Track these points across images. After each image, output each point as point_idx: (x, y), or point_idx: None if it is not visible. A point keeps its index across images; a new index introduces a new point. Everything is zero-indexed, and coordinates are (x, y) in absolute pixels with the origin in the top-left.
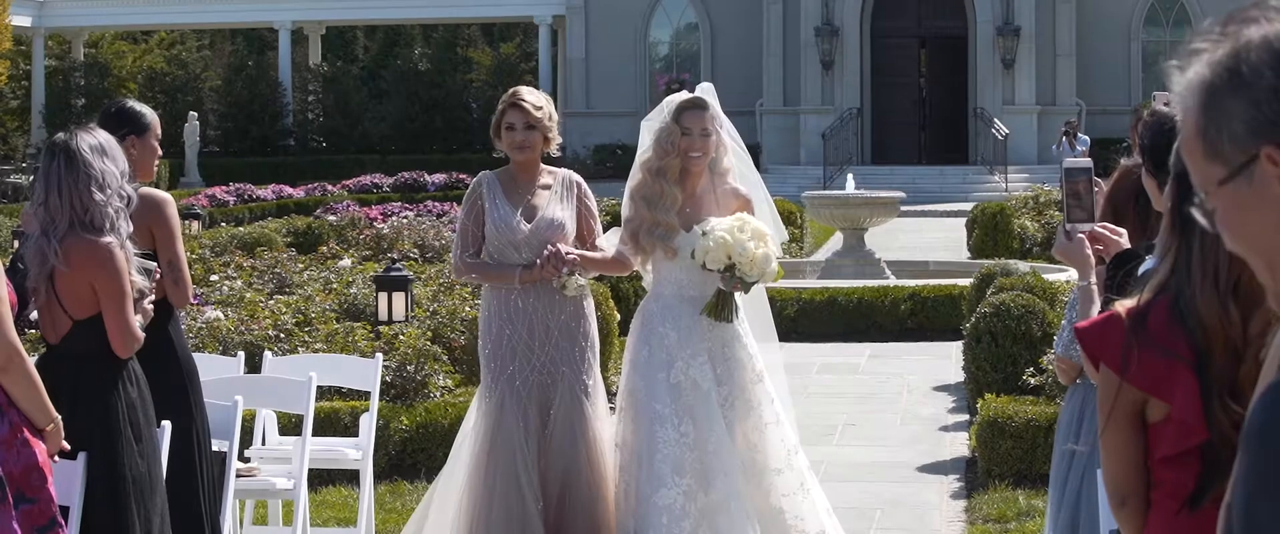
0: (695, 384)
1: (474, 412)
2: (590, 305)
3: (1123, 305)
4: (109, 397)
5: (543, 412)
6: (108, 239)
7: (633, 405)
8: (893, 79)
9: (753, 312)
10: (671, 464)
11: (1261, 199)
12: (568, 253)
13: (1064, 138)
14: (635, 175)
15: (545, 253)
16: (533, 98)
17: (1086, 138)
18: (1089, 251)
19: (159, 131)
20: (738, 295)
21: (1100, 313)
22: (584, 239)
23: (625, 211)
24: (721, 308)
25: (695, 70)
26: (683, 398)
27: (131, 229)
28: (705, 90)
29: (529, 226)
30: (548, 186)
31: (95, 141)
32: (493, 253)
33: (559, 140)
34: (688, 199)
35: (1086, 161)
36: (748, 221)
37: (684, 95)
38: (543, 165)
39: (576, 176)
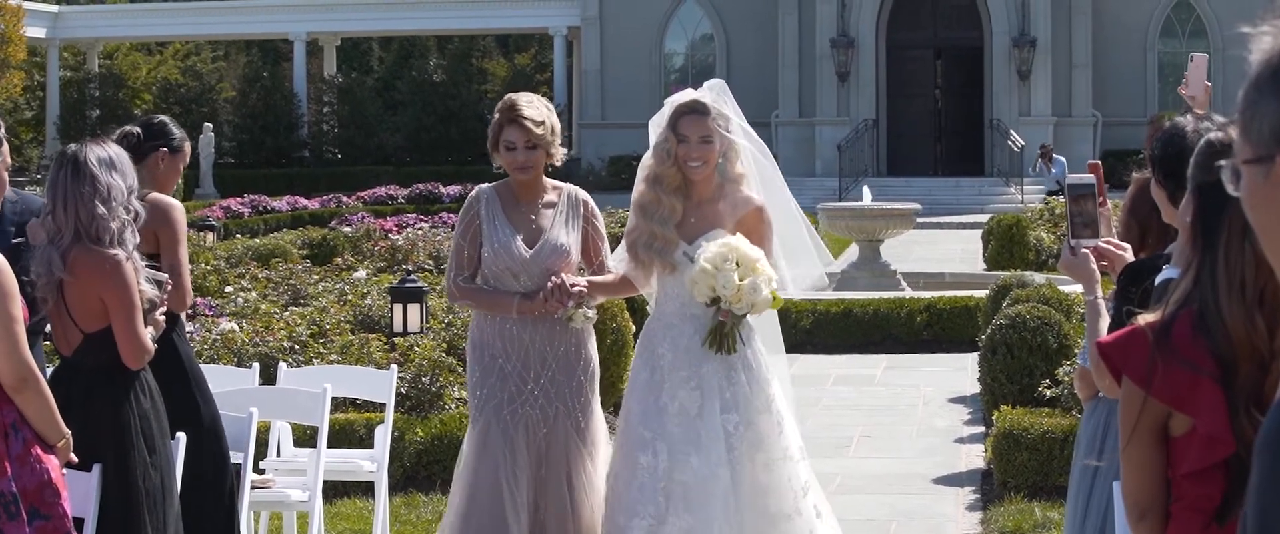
0: (681, 409)
1: (465, 443)
2: (591, 333)
3: (1145, 319)
4: (121, 409)
5: (532, 445)
6: (115, 251)
7: (625, 431)
8: (908, 90)
9: (759, 321)
10: (644, 492)
11: (1271, 197)
12: (574, 284)
13: (1040, 159)
14: (637, 184)
15: (549, 285)
16: (532, 112)
17: (1062, 159)
18: (1094, 267)
19: (189, 157)
20: (745, 321)
21: (1121, 326)
22: (590, 261)
23: (628, 224)
24: (721, 340)
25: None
26: (666, 423)
27: (139, 240)
28: (713, 88)
29: (531, 252)
30: (552, 205)
31: (105, 154)
32: (490, 278)
33: (563, 153)
34: (693, 208)
35: (1090, 177)
36: (735, 248)
37: (686, 95)
38: (546, 180)
39: (583, 193)
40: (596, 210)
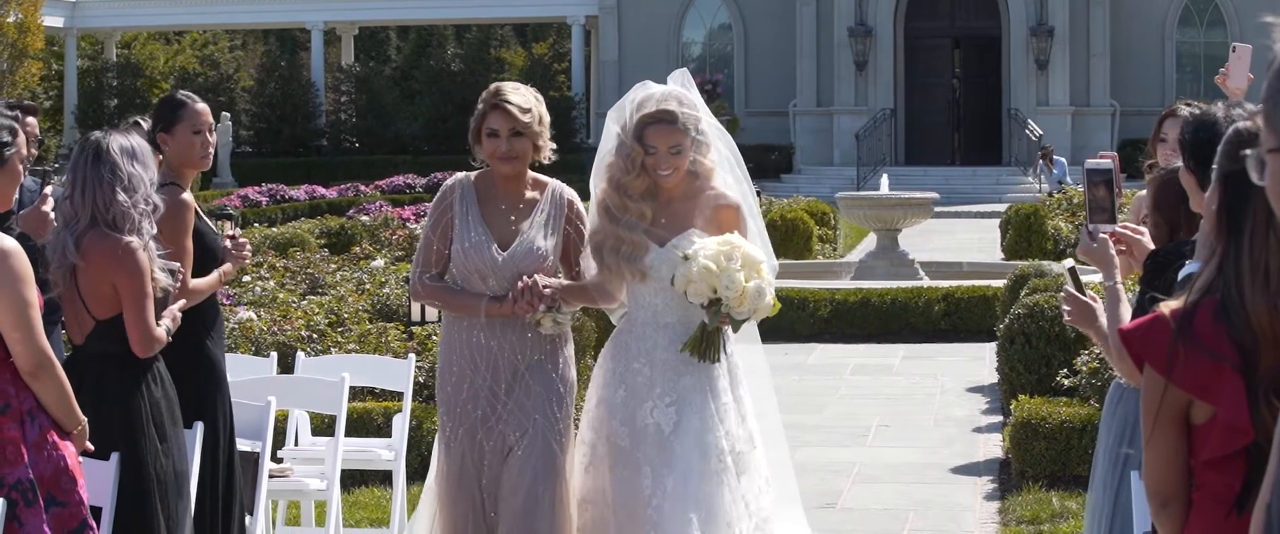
0: (656, 427)
1: (436, 460)
2: (569, 344)
3: (1167, 306)
4: (132, 397)
5: (508, 462)
6: (129, 238)
7: (610, 454)
8: (926, 79)
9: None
10: (665, 514)
11: None
12: (546, 286)
13: (1042, 160)
14: (598, 183)
15: (519, 286)
16: (519, 98)
17: (1063, 160)
18: (1113, 252)
19: (198, 122)
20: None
21: (1146, 313)
22: (570, 266)
23: (589, 224)
24: (706, 346)
25: (728, 71)
26: (648, 445)
27: (155, 231)
28: (677, 81)
29: (504, 255)
30: (534, 203)
31: (128, 144)
32: (458, 277)
33: (552, 147)
34: (663, 207)
35: (1107, 163)
36: (738, 246)
37: (651, 100)
38: (530, 174)
39: (569, 192)
40: (582, 212)
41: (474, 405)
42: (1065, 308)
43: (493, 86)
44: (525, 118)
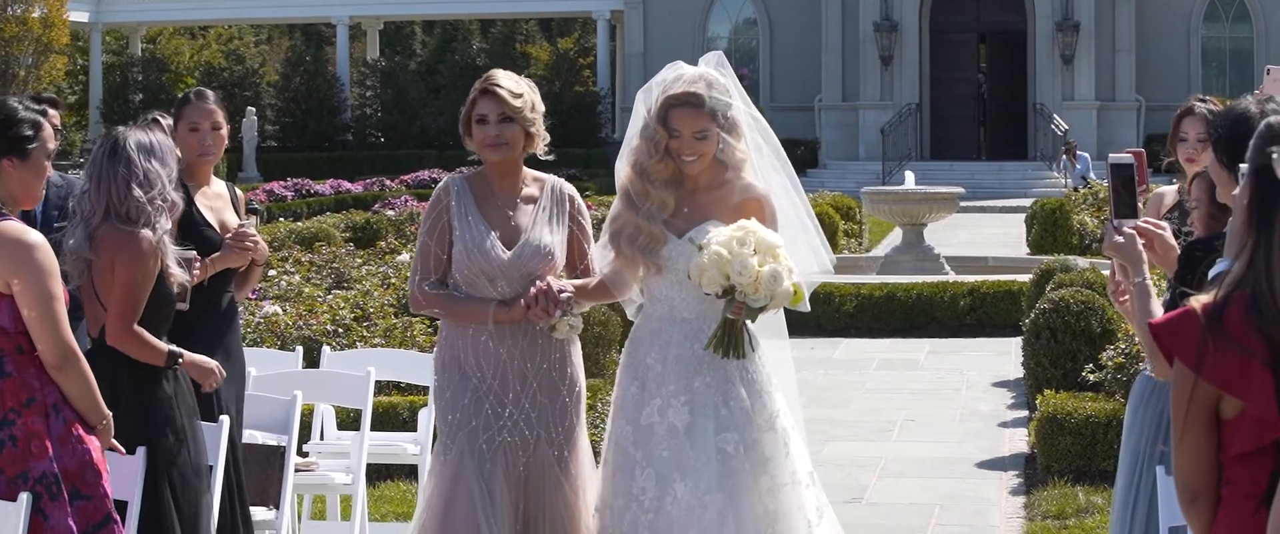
0: (670, 428)
1: (429, 476)
2: (577, 346)
3: (1198, 301)
4: (147, 391)
5: (510, 478)
6: (140, 231)
7: (615, 457)
8: (952, 74)
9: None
10: (635, 526)
11: None
12: (562, 290)
13: (1065, 155)
14: (622, 168)
15: (532, 292)
16: (509, 83)
17: (1086, 155)
18: (1140, 248)
19: (195, 120)
20: (750, 324)
21: (1177, 307)
22: (573, 265)
23: (613, 208)
24: (729, 341)
25: (754, 66)
26: (655, 445)
27: (170, 227)
28: (709, 61)
29: (509, 254)
30: (533, 199)
31: (146, 140)
32: (461, 282)
33: (546, 138)
34: (686, 197)
35: (1128, 157)
36: (752, 231)
37: (678, 81)
38: (527, 170)
39: (569, 187)
40: (583, 207)
41: (475, 411)
42: (1111, 243)
43: (485, 74)
44: (516, 102)
